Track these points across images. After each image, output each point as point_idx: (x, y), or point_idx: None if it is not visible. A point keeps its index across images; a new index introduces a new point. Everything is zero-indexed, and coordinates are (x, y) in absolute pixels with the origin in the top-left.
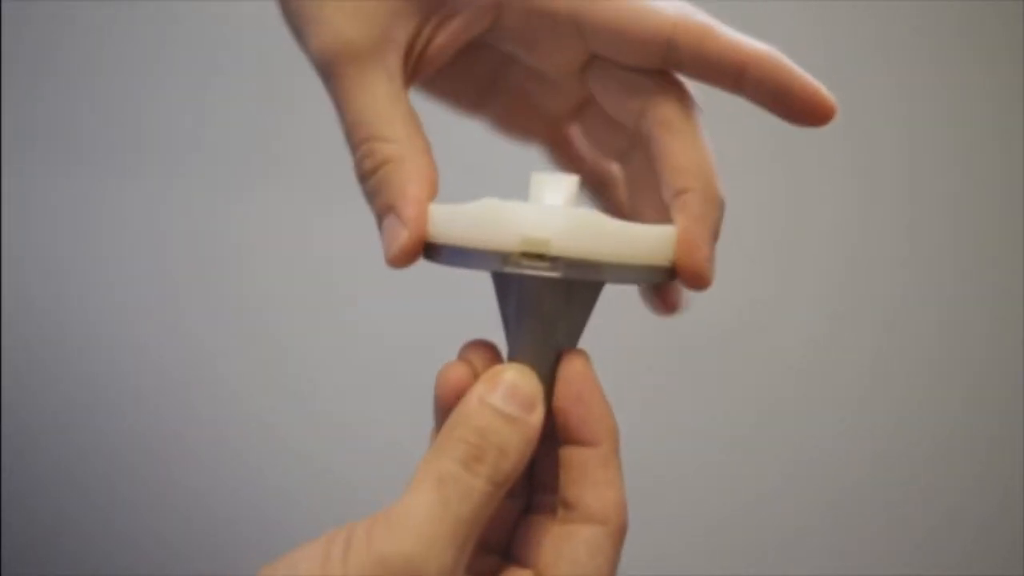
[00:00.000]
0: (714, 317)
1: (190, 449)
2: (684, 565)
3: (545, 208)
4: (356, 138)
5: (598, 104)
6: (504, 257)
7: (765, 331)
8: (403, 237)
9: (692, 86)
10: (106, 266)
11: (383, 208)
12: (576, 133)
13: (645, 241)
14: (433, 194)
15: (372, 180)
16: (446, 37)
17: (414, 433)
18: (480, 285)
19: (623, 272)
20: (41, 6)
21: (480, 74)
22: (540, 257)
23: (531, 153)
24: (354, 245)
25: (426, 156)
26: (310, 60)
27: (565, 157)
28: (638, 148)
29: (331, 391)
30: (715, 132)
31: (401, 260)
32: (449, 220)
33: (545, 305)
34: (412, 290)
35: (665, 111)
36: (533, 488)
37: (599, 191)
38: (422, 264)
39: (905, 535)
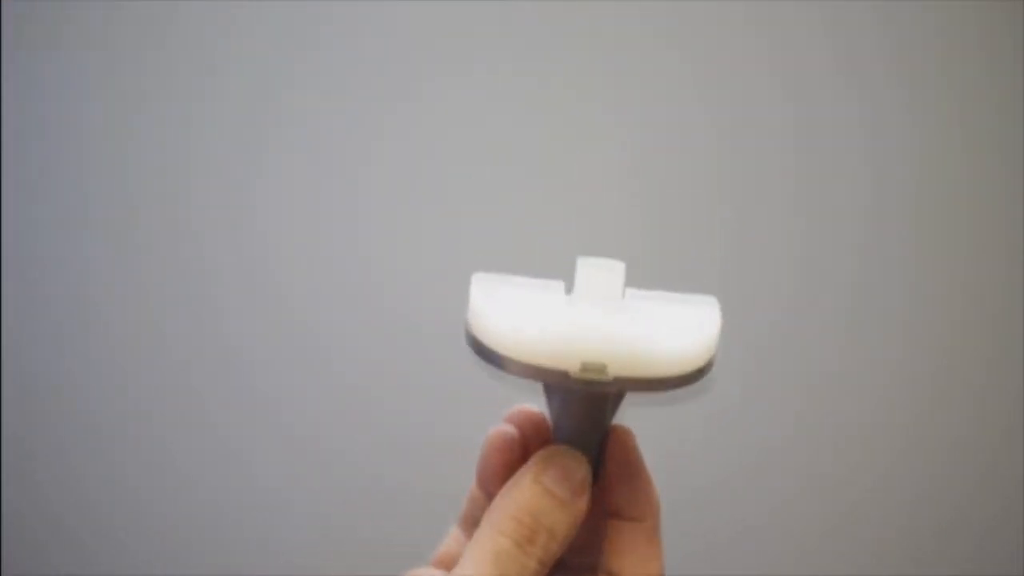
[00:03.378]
0: (726, 322)
1: (192, 449)
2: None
3: (603, 329)
4: None
5: None
6: (563, 375)
7: (774, 341)
8: None
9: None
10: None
11: None
12: None
13: (692, 353)
14: None
15: None
16: None
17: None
18: None
19: (672, 382)
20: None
21: None
22: (597, 373)
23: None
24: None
25: None
26: None
27: None
28: None
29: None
30: (731, 139)
31: None
32: (501, 329)
33: (595, 405)
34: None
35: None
36: (567, 549)
37: None
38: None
39: (911, 539)
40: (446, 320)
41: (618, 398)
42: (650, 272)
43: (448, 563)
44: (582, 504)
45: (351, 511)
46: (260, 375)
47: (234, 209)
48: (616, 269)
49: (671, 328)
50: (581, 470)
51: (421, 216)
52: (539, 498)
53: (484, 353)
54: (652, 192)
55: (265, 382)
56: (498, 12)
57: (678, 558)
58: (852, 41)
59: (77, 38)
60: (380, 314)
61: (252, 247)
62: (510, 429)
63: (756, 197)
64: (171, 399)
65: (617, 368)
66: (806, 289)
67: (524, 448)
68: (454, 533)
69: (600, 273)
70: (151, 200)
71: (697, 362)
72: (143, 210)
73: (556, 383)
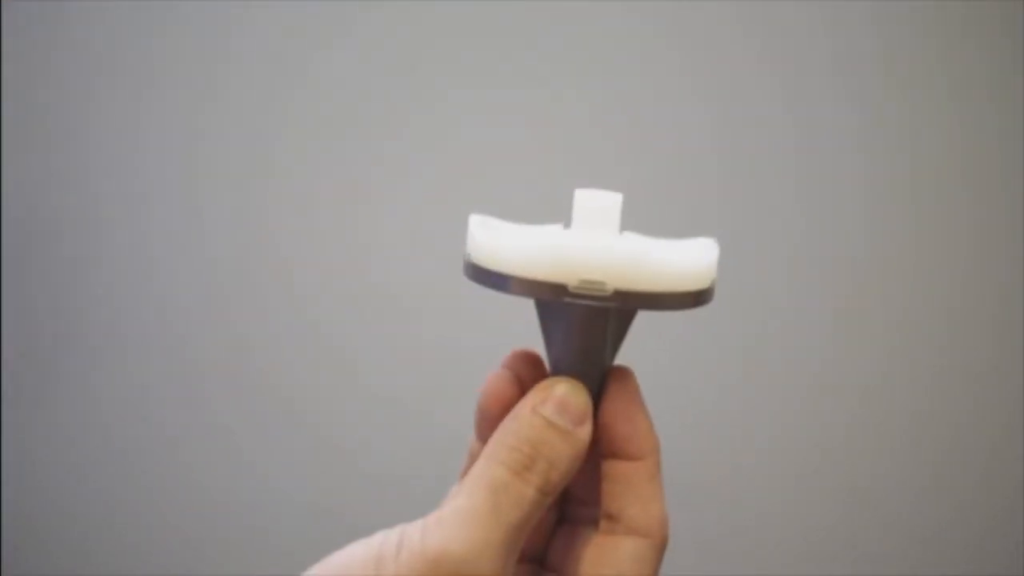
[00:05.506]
0: (726, 321)
1: (196, 449)
2: (694, 567)
3: (601, 243)
4: None
5: None
6: (561, 289)
7: (775, 337)
8: None
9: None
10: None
11: None
12: None
13: (690, 271)
14: None
15: None
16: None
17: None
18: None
19: (671, 299)
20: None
21: None
22: (596, 286)
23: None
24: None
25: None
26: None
27: None
28: None
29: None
30: (730, 139)
31: None
32: (501, 247)
33: (594, 328)
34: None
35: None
36: (568, 500)
37: None
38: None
39: (911, 539)
40: (449, 319)
41: (618, 330)
42: None
43: None
44: (583, 434)
45: (354, 509)
46: (263, 374)
47: (242, 207)
48: (613, 200)
49: (669, 247)
50: (580, 399)
51: (423, 213)
52: (538, 428)
53: (484, 275)
54: (650, 200)
55: (266, 381)
56: (498, 9)
57: (677, 558)
58: (851, 42)
59: (80, 39)
60: (382, 310)
61: (258, 243)
62: (506, 373)
63: (755, 197)
64: (174, 398)
65: (615, 283)
66: (806, 289)
67: (521, 389)
68: (454, 491)
69: (598, 203)
70: (153, 202)
71: (695, 282)
72: (146, 212)
73: (555, 299)
